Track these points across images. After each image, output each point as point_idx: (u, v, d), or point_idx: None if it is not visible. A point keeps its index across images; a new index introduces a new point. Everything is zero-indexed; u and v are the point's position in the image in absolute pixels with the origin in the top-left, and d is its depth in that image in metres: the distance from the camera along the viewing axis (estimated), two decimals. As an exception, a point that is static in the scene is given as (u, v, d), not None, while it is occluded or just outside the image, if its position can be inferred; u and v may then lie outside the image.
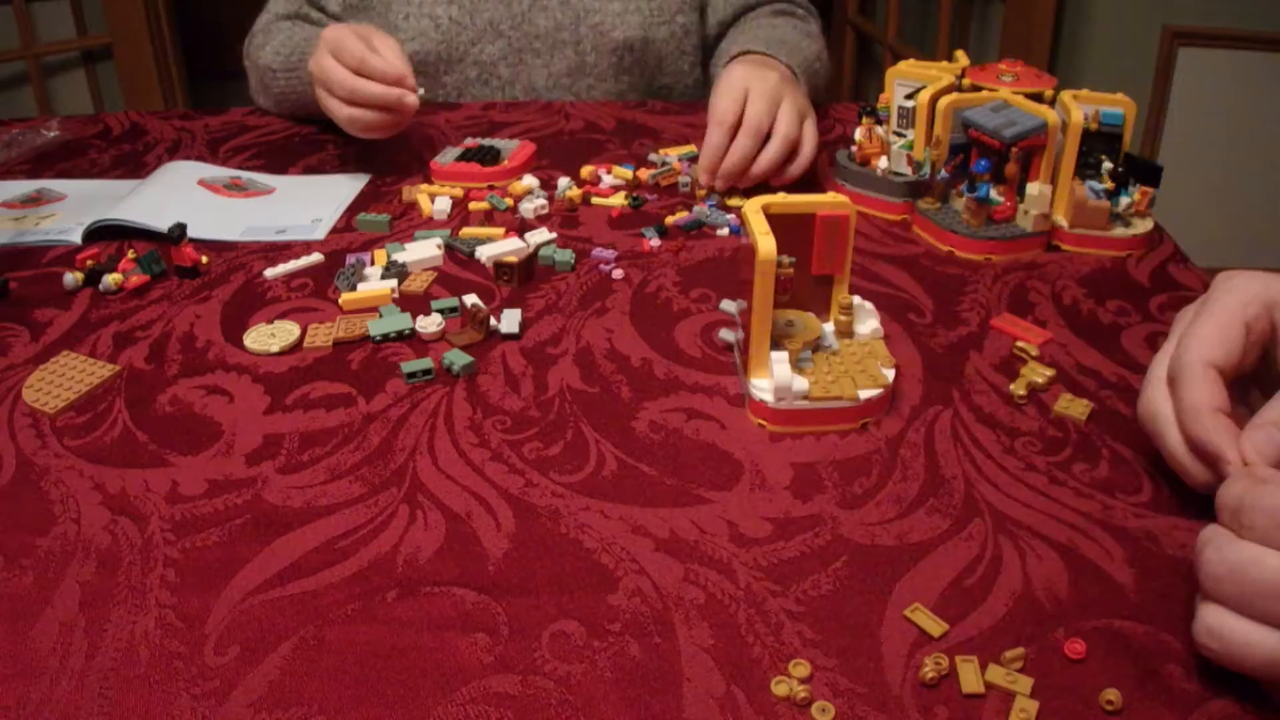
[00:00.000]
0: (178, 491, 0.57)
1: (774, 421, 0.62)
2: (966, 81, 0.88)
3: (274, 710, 0.44)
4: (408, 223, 0.90)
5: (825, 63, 1.17)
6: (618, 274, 0.80)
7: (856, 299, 0.66)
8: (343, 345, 0.71)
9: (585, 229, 0.88)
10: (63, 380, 0.67)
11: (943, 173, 0.85)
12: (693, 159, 1.03)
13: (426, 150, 1.06)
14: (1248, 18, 2.01)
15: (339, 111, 0.95)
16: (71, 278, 0.79)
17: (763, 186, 0.93)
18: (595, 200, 0.93)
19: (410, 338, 0.72)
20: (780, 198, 0.63)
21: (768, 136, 0.91)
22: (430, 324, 0.72)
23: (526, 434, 0.62)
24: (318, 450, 0.61)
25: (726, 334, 0.71)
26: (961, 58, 0.92)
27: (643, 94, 1.25)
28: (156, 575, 0.51)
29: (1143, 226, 0.83)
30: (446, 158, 1.00)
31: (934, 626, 0.47)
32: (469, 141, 1.03)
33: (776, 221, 0.62)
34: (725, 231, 0.87)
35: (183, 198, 0.95)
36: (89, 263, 0.81)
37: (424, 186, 0.96)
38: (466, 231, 0.87)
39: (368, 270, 0.80)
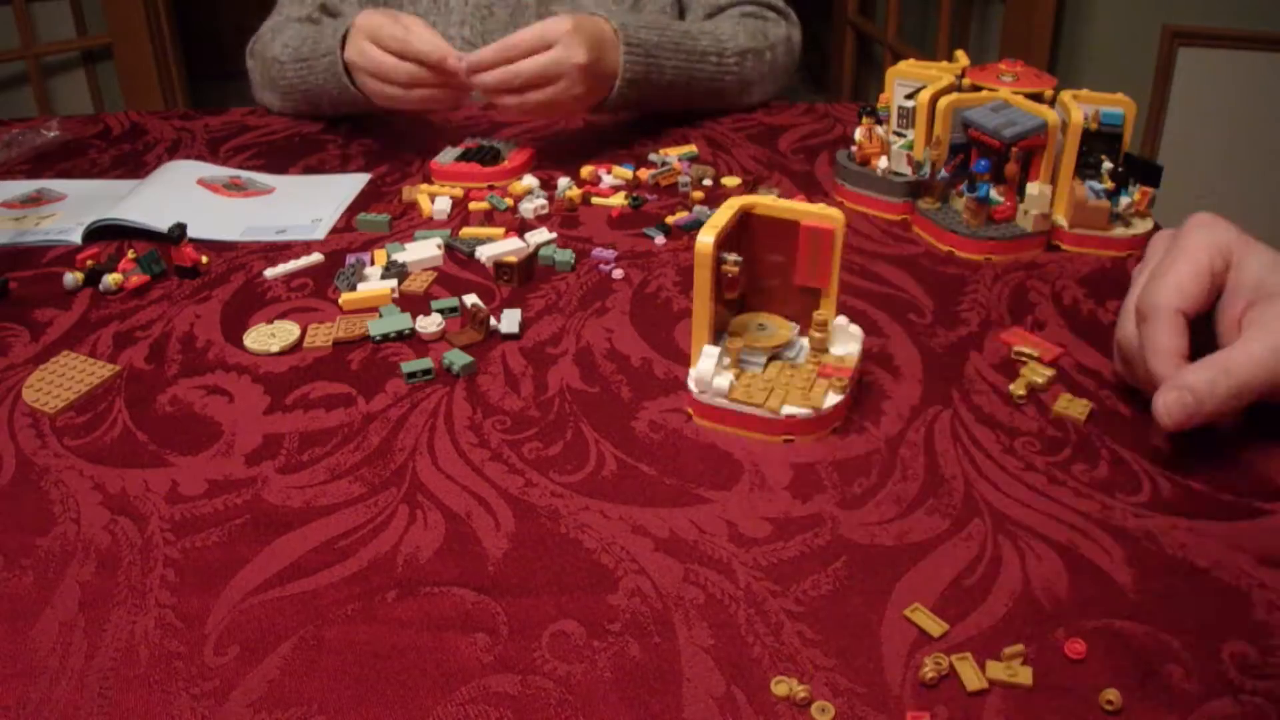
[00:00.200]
0: (178, 491, 0.57)
1: (698, 413, 0.62)
2: (966, 81, 0.88)
3: (274, 710, 0.44)
4: (408, 223, 0.90)
5: (751, 60, 1.15)
6: (618, 274, 0.80)
7: (843, 320, 0.65)
8: (343, 345, 0.71)
9: (585, 229, 0.88)
10: (62, 380, 0.67)
11: (943, 173, 0.85)
12: (693, 159, 1.03)
13: (427, 150, 1.06)
14: (1248, 18, 2.01)
15: (405, 96, 0.98)
16: (71, 278, 0.79)
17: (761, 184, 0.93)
18: (595, 200, 0.93)
19: (410, 338, 0.72)
20: (767, 200, 0.62)
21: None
22: (430, 324, 0.72)
23: (526, 434, 0.62)
24: (318, 450, 0.61)
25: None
26: (961, 58, 0.92)
27: None
28: (156, 575, 0.51)
29: (1143, 226, 0.83)
30: (446, 158, 1.00)
31: (934, 626, 0.47)
32: (468, 141, 1.03)
33: (763, 224, 0.62)
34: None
35: (182, 197, 0.95)
36: (89, 263, 0.81)
37: (424, 186, 0.96)
38: (466, 231, 0.87)
39: (368, 270, 0.80)
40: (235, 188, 0.98)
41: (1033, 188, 0.81)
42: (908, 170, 0.89)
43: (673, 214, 0.90)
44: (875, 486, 0.57)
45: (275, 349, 0.70)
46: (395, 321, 0.72)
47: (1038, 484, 0.57)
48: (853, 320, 0.65)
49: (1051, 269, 0.81)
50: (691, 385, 0.62)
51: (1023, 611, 0.48)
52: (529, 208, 0.91)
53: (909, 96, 0.87)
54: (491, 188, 0.97)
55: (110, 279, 0.78)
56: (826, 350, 0.64)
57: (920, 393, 0.65)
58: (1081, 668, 0.45)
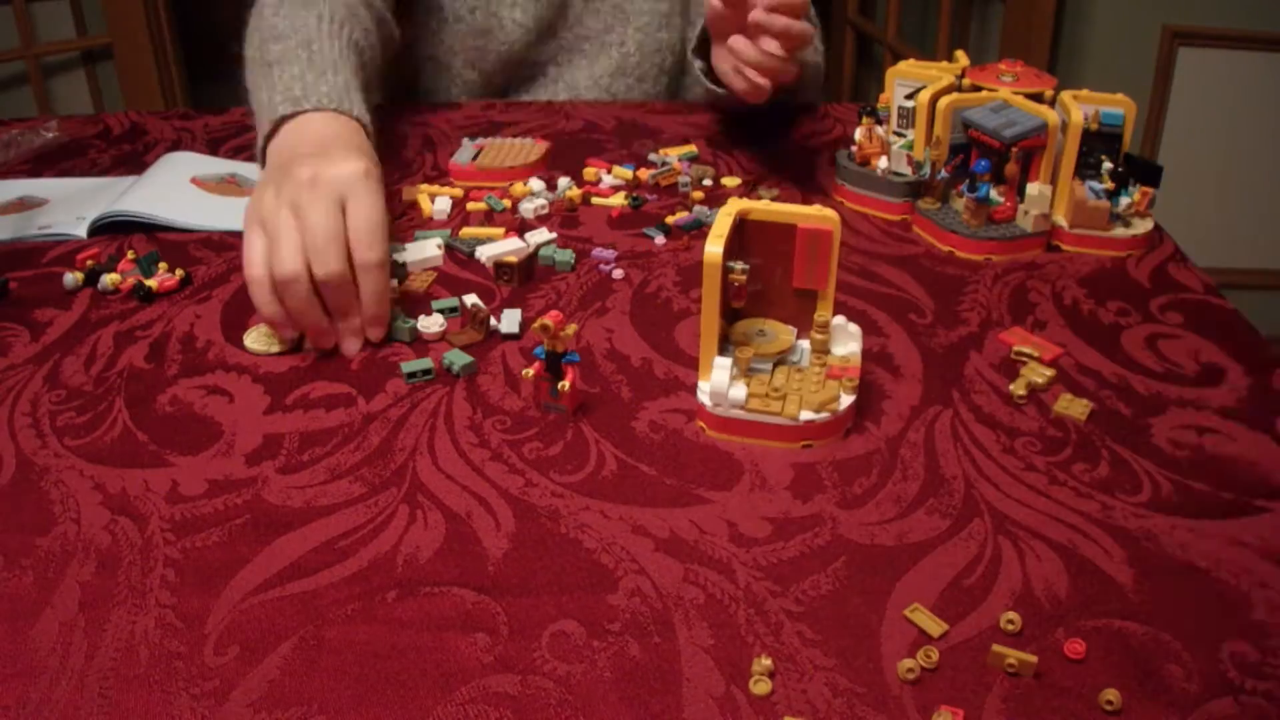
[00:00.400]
0: (178, 491, 0.57)
1: (712, 426, 0.61)
2: (966, 81, 0.88)
3: (274, 710, 0.44)
4: (408, 223, 0.90)
5: (813, 67, 1.15)
6: (618, 274, 0.80)
7: (840, 320, 0.64)
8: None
9: (585, 229, 0.88)
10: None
11: (943, 173, 0.85)
12: (693, 159, 1.03)
13: (427, 150, 1.06)
14: (1248, 18, 2.00)
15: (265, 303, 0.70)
16: (71, 278, 0.79)
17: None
18: (595, 200, 0.93)
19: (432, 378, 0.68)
20: (762, 205, 0.62)
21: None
22: (430, 324, 0.72)
23: (526, 434, 0.62)
24: (318, 450, 0.61)
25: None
26: (961, 58, 0.92)
27: (671, 96, 1.27)
28: (156, 575, 0.51)
29: (1143, 226, 0.83)
30: (464, 156, 0.99)
31: (934, 626, 0.47)
32: (479, 142, 1.03)
33: (758, 229, 0.62)
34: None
35: (180, 191, 0.95)
36: (89, 263, 0.81)
37: (424, 186, 0.96)
38: (466, 231, 0.87)
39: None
40: (229, 185, 0.98)
41: (1033, 188, 0.81)
42: (908, 170, 0.89)
43: (673, 214, 0.90)
44: (875, 486, 0.57)
45: (276, 349, 0.70)
46: (422, 364, 0.67)
47: (1038, 484, 0.57)
48: (852, 320, 0.65)
49: (1052, 269, 0.81)
50: (704, 399, 0.61)
51: (1023, 611, 0.48)
52: (529, 208, 0.91)
53: (909, 96, 0.87)
54: (493, 189, 0.97)
55: (108, 279, 0.78)
56: (828, 351, 0.64)
57: (920, 393, 0.65)
58: (1081, 668, 0.45)
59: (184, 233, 0.88)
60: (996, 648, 0.45)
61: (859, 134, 0.92)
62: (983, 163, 0.81)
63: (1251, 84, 2.06)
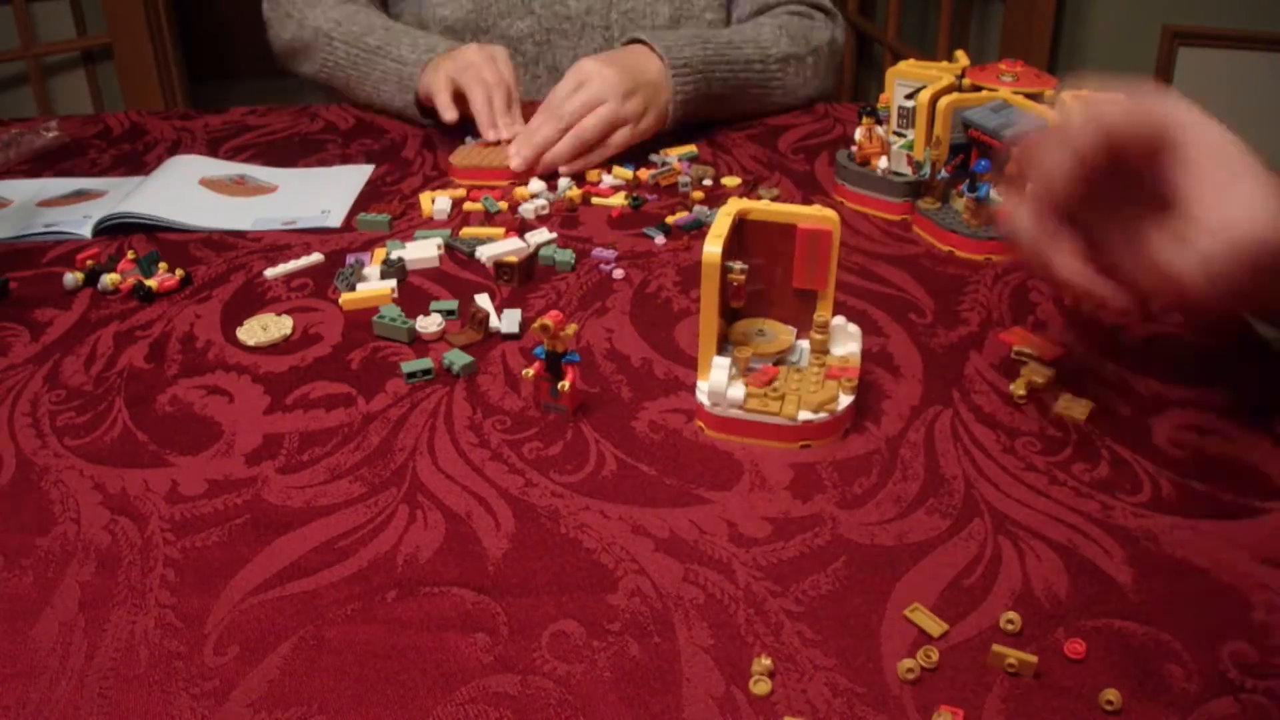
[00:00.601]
0: (178, 491, 0.57)
1: (710, 426, 0.61)
2: (966, 81, 0.88)
3: (274, 710, 0.44)
4: (408, 223, 0.90)
5: (794, 66, 1.15)
6: (618, 274, 0.80)
7: (840, 320, 0.64)
8: (343, 345, 0.71)
9: (585, 229, 0.88)
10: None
11: (943, 173, 0.85)
12: (693, 159, 1.03)
13: (426, 149, 1.06)
14: (1248, 18, 2.00)
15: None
16: (71, 277, 0.79)
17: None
18: (595, 200, 0.93)
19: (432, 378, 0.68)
20: (762, 204, 0.62)
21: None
22: (430, 324, 0.72)
23: (526, 434, 0.62)
24: (318, 450, 0.61)
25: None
26: (961, 58, 0.92)
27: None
28: (156, 575, 0.51)
29: (1143, 226, 0.83)
30: (467, 158, 0.98)
31: (934, 626, 0.47)
32: (480, 141, 1.02)
33: (758, 229, 0.62)
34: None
35: (189, 192, 0.95)
36: (89, 263, 0.81)
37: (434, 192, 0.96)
38: (466, 231, 0.87)
39: (366, 270, 0.80)
40: (238, 186, 0.98)
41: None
42: (908, 170, 0.89)
43: (673, 214, 0.90)
44: (875, 486, 0.57)
45: (265, 340, 0.70)
46: (421, 364, 0.68)
47: (1038, 484, 0.57)
48: (852, 320, 0.65)
49: (1051, 269, 0.80)
50: (703, 399, 0.61)
51: (1023, 611, 0.48)
52: (529, 208, 0.91)
53: (909, 96, 0.87)
54: (493, 188, 0.97)
55: (108, 279, 0.78)
56: (827, 351, 0.64)
57: (920, 393, 0.65)
58: (1081, 668, 0.45)
59: (184, 233, 0.88)
60: (996, 648, 0.45)
61: (859, 134, 0.92)
62: (983, 163, 0.81)
63: (1251, 84, 2.06)
